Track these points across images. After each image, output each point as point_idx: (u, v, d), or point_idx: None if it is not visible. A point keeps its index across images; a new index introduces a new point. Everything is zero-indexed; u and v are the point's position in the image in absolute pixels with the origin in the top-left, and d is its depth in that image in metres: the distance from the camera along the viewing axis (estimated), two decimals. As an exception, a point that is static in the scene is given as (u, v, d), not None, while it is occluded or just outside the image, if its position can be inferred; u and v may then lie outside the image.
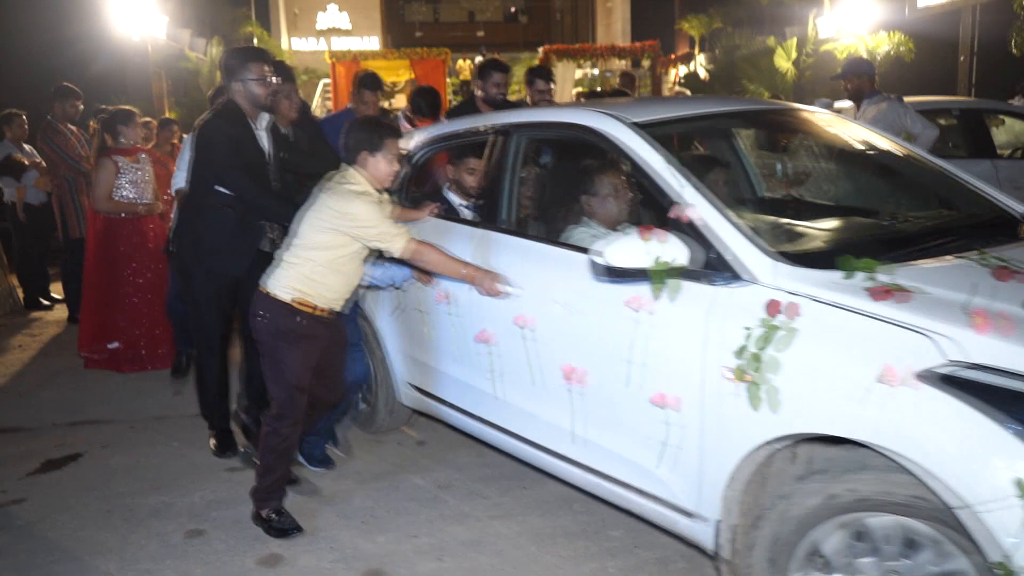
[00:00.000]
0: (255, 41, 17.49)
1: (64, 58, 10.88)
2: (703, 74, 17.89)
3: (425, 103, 5.78)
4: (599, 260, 2.53)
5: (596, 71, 22.47)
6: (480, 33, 31.20)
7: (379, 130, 3.18)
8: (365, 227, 3.08)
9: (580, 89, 19.21)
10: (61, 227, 6.99)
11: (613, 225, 3.28)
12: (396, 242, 3.09)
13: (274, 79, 3.80)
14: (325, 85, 19.92)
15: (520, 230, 3.46)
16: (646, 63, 20.39)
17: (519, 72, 24.20)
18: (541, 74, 5.66)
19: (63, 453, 4.26)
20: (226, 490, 3.76)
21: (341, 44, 24.83)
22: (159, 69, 13.41)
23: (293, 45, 24.68)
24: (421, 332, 3.76)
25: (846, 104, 6.10)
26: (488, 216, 3.49)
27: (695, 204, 2.58)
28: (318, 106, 19.40)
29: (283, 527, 3.32)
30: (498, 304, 3.16)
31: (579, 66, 21.25)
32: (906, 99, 6.38)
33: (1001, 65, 11.03)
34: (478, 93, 5.45)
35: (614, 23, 25.84)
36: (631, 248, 2.49)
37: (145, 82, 13.01)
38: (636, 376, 2.64)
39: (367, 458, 4.08)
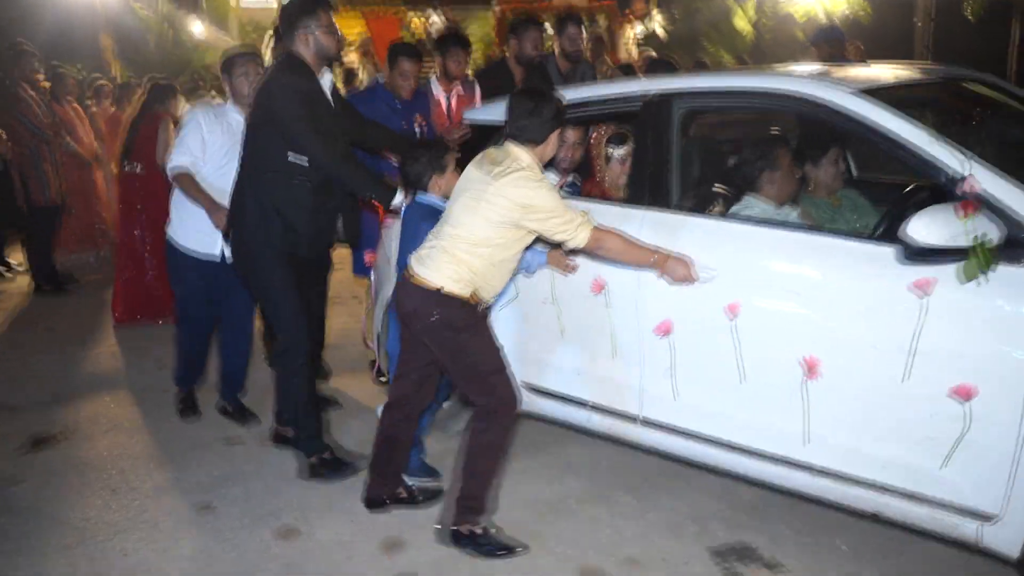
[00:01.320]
0: (204, -5, 16.87)
1: (7, 15, 10.39)
2: (661, 33, 17.84)
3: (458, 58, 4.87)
4: (917, 239, 2.32)
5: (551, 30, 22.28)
6: (433, -12, 30.48)
7: (558, 105, 2.86)
8: (549, 218, 2.72)
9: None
10: (24, 195, 6.74)
11: (782, 203, 3.16)
12: (582, 232, 2.74)
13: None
14: (271, 36, 19.35)
15: (698, 209, 3.16)
16: (603, 21, 20.28)
17: (474, 28, 23.93)
18: (574, 20, 5.14)
19: (51, 431, 4.19)
20: (229, 465, 3.75)
21: None
22: (108, 26, 12.88)
23: (242, 1, 23.86)
24: (551, 327, 3.36)
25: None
26: (645, 196, 3.14)
27: (985, 178, 2.37)
28: (266, 58, 18.84)
29: (505, 543, 2.98)
30: (689, 293, 2.85)
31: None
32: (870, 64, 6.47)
33: (957, 30, 11.27)
34: (509, 54, 5.09)
35: (570, -20, 25.51)
36: (949, 225, 2.29)
37: (93, 40, 12.51)
38: (921, 369, 2.41)
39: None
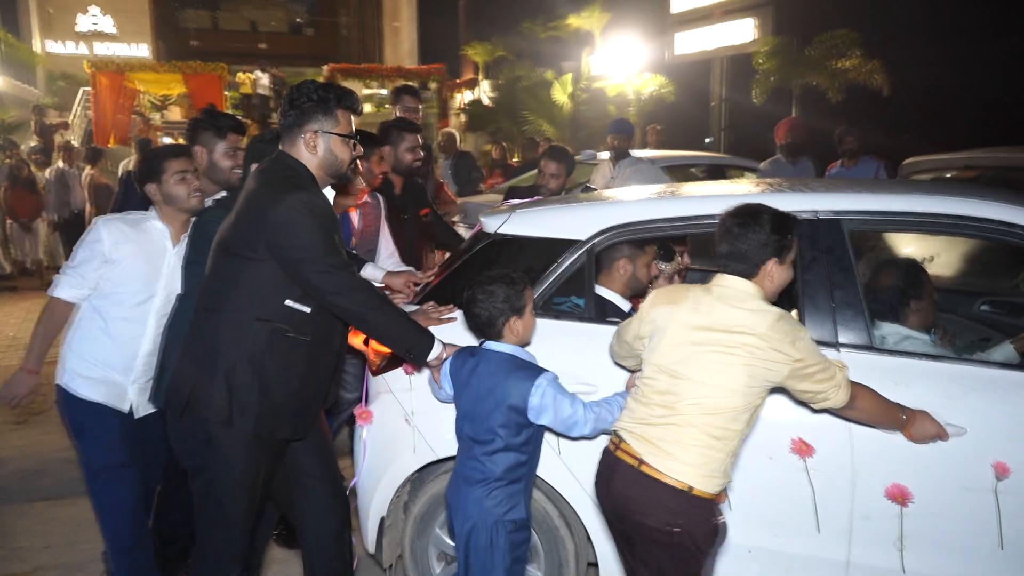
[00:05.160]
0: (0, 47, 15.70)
1: None
2: (487, 101, 18.33)
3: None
4: None
5: (385, 91, 22.39)
6: (262, 45, 30.00)
7: (789, 225, 2.23)
8: (815, 372, 2.12)
9: (369, 108, 19.04)
10: None
11: (926, 330, 2.82)
12: (843, 389, 2.16)
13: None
14: (85, 92, 18.24)
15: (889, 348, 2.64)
16: (433, 86, 20.62)
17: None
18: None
19: None
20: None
21: (106, 50, 22.92)
22: None
23: (48, 48, 22.45)
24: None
25: (605, 156, 6.48)
26: (831, 331, 2.55)
27: None
28: (78, 116, 17.73)
29: None
30: (932, 452, 2.39)
31: (366, 86, 21.08)
32: (660, 153, 6.89)
33: (747, 111, 12.25)
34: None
35: (401, 43, 25.86)
36: None
37: None
38: None
39: None
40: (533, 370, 2.39)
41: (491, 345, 2.45)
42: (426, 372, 2.66)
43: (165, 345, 2.89)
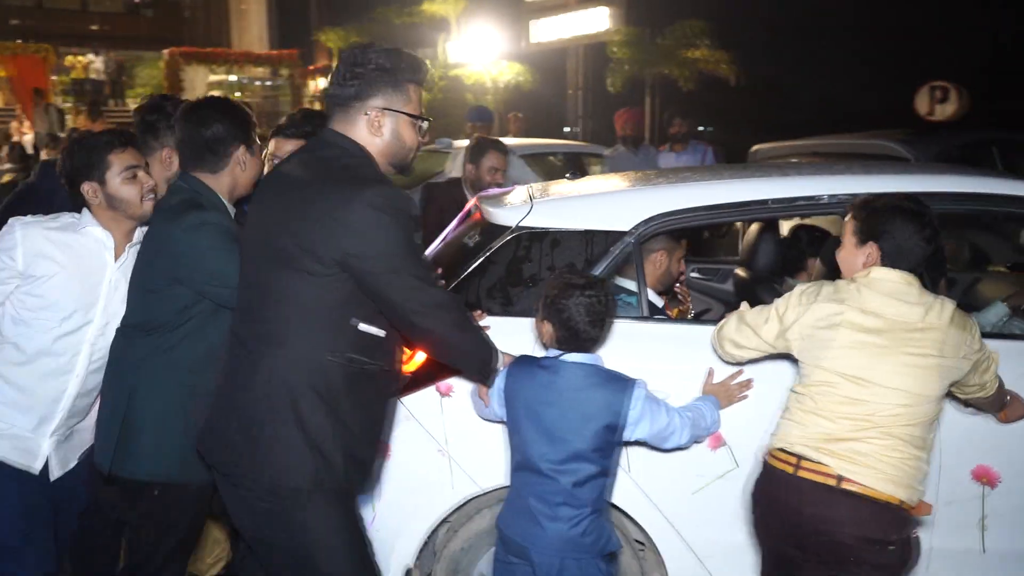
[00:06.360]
0: None
1: None
2: (343, 89, 17.78)
3: None
4: None
5: (234, 78, 21.31)
6: (95, 26, 27.89)
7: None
8: (983, 362, 2.11)
9: (219, 94, 18.08)
10: None
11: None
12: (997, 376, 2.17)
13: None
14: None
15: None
16: (285, 73, 19.79)
17: (143, 73, 22.20)
18: (498, 147, 4.13)
19: None
20: None
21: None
22: None
23: None
24: None
25: (461, 144, 6.29)
26: None
27: None
28: None
29: None
30: (1009, 432, 2.35)
31: (213, 72, 19.98)
32: (520, 141, 6.76)
33: (605, 100, 12.40)
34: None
35: (250, 27, 24.71)
36: None
37: None
38: None
39: None
40: (624, 379, 2.13)
41: (572, 357, 2.13)
42: (464, 391, 2.33)
43: (128, 397, 2.23)
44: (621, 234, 2.47)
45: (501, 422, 2.24)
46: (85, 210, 2.33)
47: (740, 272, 3.50)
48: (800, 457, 2.01)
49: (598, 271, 2.43)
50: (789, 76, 12.10)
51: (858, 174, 2.76)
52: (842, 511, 1.96)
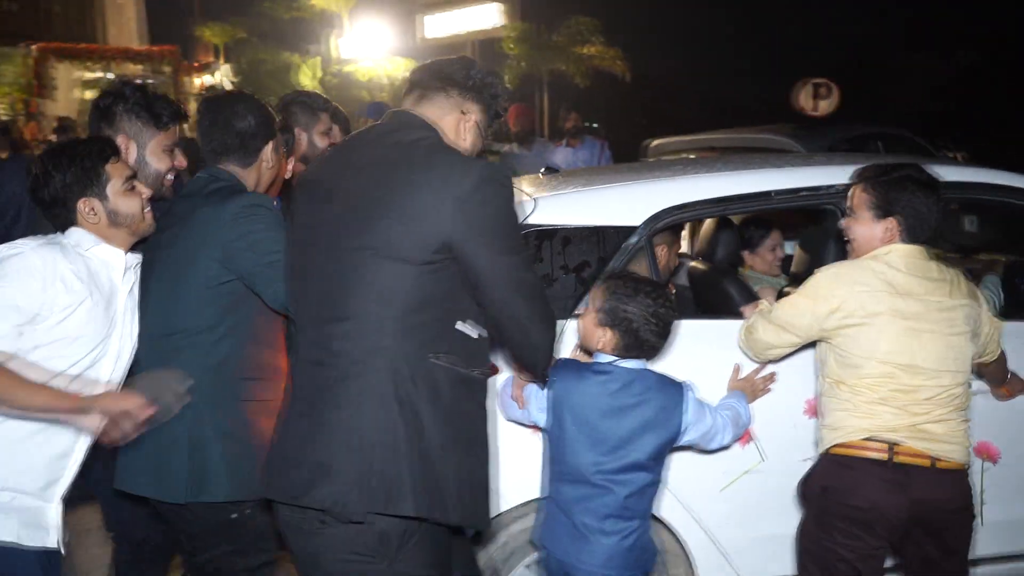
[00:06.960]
0: None
1: None
2: (229, 85, 17.15)
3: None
4: None
5: (111, 75, 20.25)
6: (-50, 20, 25.98)
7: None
8: (989, 317, 2.22)
9: (93, 93, 17.12)
10: None
11: None
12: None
13: None
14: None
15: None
16: (167, 69, 18.94)
17: (8, 71, 20.78)
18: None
19: None
20: None
21: None
22: None
23: None
24: None
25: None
26: None
27: None
28: None
29: None
30: (1007, 407, 2.45)
31: (87, 70, 18.92)
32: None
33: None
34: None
35: (126, 21, 23.52)
36: None
37: None
38: None
39: None
40: (676, 383, 2.04)
41: (627, 363, 2.00)
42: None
43: (189, 415, 1.93)
44: (632, 229, 2.38)
45: (534, 427, 2.11)
46: (74, 230, 1.95)
47: (697, 264, 3.52)
48: (892, 443, 2.04)
49: (611, 267, 2.35)
50: (677, 73, 12.42)
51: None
52: (946, 488, 2.07)
